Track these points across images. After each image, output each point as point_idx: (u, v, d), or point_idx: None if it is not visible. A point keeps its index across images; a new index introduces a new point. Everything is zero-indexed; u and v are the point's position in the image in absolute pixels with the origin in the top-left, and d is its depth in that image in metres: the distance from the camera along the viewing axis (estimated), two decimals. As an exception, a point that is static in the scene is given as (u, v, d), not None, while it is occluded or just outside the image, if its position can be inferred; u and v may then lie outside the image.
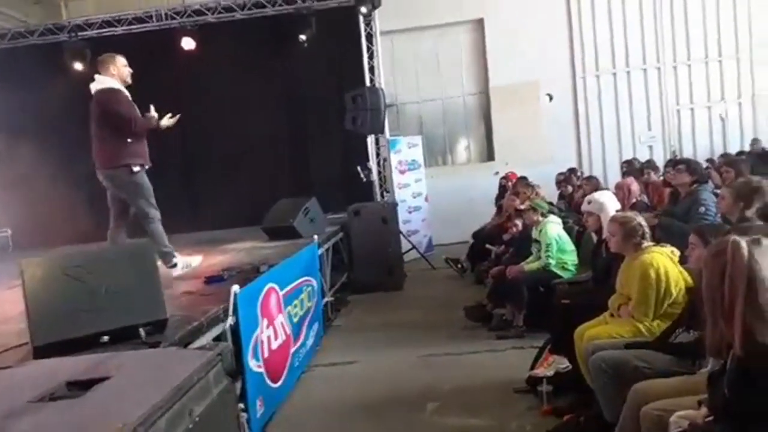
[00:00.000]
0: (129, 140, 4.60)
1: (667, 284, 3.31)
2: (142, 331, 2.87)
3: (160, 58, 9.44)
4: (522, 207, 5.32)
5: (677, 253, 3.46)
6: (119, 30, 9.39)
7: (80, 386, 1.60)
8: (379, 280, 7.58)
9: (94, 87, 4.66)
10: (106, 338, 2.80)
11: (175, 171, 9.45)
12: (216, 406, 1.67)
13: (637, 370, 2.88)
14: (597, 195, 4.56)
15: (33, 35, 9.52)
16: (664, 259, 3.38)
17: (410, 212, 9.55)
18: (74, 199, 8.27)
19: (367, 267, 7.67)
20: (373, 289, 7.47)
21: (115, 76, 4.67)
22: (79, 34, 9.34)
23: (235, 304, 3.59)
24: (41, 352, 2.63)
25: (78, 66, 9.06)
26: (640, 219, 3.55)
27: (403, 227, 8.71)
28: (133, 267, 2.95)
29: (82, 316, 2.77)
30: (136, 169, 4.61)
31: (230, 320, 3.53)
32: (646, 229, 3.53)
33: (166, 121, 4.82)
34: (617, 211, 4.24)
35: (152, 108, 4.76)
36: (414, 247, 8.93)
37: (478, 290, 6.83)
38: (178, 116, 4.86)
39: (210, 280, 4.41)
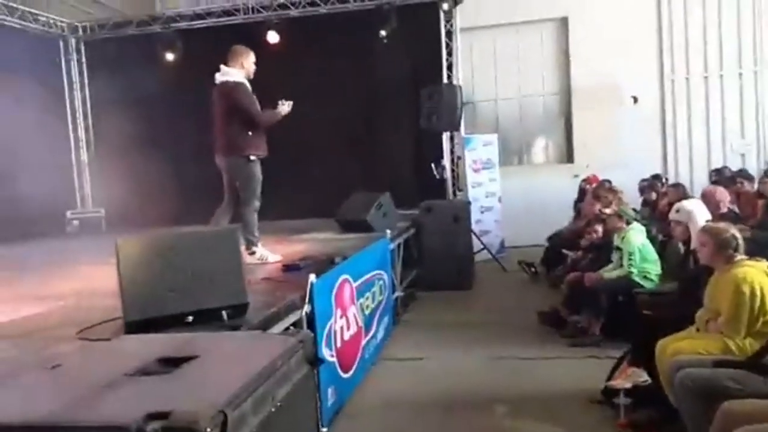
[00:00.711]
0: (250, 132, 4.89)
1: (762, 301, 3.12)
2: (224, 314, 2.98)
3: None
4: (607, 212, 5.13)
5: (774, 268, 3.25)
6: (209, 22, 9.76)
7: (170, 363, 1.67)
8: (448, 279, 7.52)
9: (219, 77, 4.91)
10: (190, 318, 2.92)
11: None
12: (296, 392, 1.70)
13: (727, 390, 2.72)
14: (686, 203, 4.34)
15: (130, 26, 10.05)
16: (759, 274, 3.18)
17: (482, 212, 9.42)
18: (166, 183, 8.67)
19: (437, 265, 7.63)
20: (442, 287, 7.42)
21: (243, 69, 4.92)
22: (171, 25, 9.77)
23: (311, 293, 3.65)
24: (132, 327, 2.77)
25: (169, 56, 9.49)
26: (734, 230, 3.35)
27: (474, 227, 8.60)
28: (219, 251, 3.06)
29: (169, 295, 2.90)
30: (252, 158, 4.92)
31: (306, 308, 3.60)
32: (740, 242, 3.32)
33: (286, 108, 5.02)
34: (708, 221, 4.01)
35: (282, 102, 5.02)
36: (485, 247, 8.81)
37: (552, 295, 6.65)
38: (291, 102, 5.05)
39: (287, 268, 4.52)
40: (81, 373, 1.65)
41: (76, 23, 10.38)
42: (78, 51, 10.63)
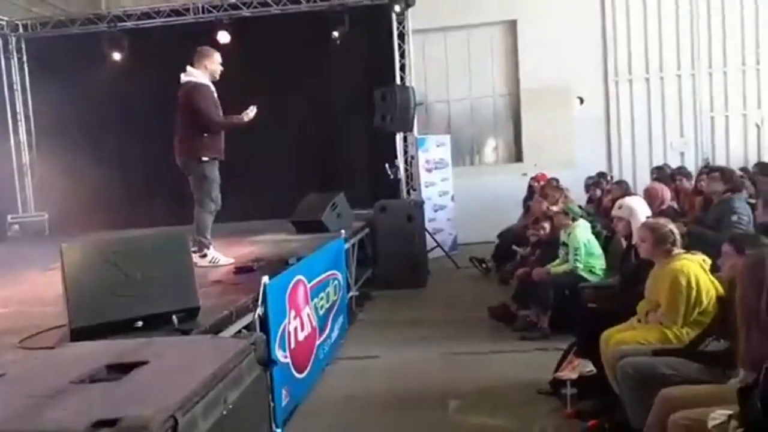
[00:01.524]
0: (205, 135, 4.86)
1: (698, 292, 3.28)
2: (174, 318, 2.94)
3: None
4: (554, 209, 5.29)
5: (708, 261, 3.43)
6: (157, 21, 9.56)
7: (119, 369, 1.66)
8: (403, 277, 7.60)
9: (183, 78, 4.86)
10: (140, 323, 2.87)
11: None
12: (248, 394, 1.72)
13: (665, 377, 2.86)
14: (627, 200, 4.52)
15: (74, 24, 9.74)
16: (695, 267, 3.35)
17: (436, 210, 9.55)
18: (111, 187, 8.47)
19: (392, 263, 7.71)
20: (396, 286, 7.50)
21: (206, 71, 4.88)
22: (118, 24, 9.52)
23: (264, 295, 3.64)
24: (78, 334, 2.70)
25: (116, 56, 9.25)
26: (672, 226, 3.53)
27: (428, 225, 8.71)
28: (168, 255, 3.02)
29: (118, 301, 2.85)
30: (205, 159, 4.88)
31: (259, 310, 3.59)
32: (678, 237, 3.50)
33: (250, 114, 5.02)
34: (648, 217, 4.19)
35: (252, 108, 5.01)
36: (439, 245, 8.93)
37: (502, 291, 6.80)
38: (254, 108, 5.05)
39: (239, 270, 4.49)
40: (25, 382, 1.62)
41: (17, 21, 9.99)
42: (18, 50, 10.25)
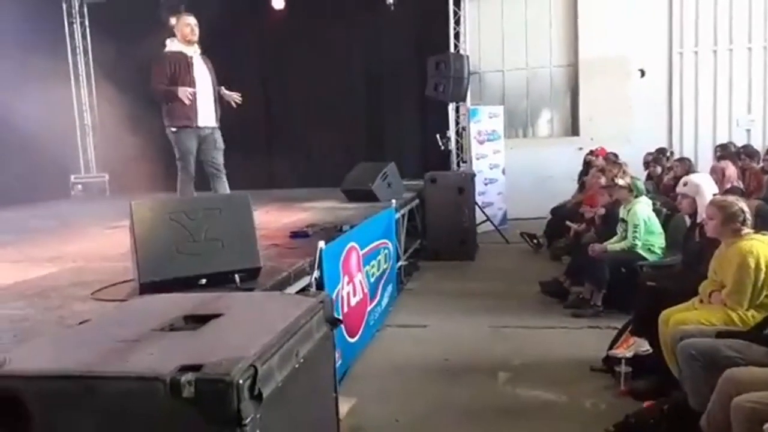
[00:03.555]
0: (169, 103, 4.89)
1: (767, 274, 3.16)
2: (237, 277, 3.03)
3: (250, 16, 9.66)
4: (619, 183, 5.14)
5: (779, 242, 3.29)
6: (213, -13, 9.61)
7: (196, 320, 1.71)
8: (451, 249, 7.59)
9: None
10: (203, 281, 2.97)
11: (255, 128, 9.71)
12: (317, 350, 1.75)
13: (728, 360, 2.78)
14: (694, 177, 4.35)
15: (134, -11, 9.91)
16: (765, 248, 3.22)
17: (486, 184, 9.42)
18: (166, 151, 8.66)
19: (441, 235, 7.70)
20: (445, 258, 7.49)
21: (177, 36, 4.92)
22: (175, -10, 9.61)
23: (320, 259, 3.70)
24: (147, 288, 2.81)
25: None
26: (742, 204, 3.38)
27: (478, 199, 8.62)
28: (232, 216, 3.10)
29: (183, 258, 2.95)
30: (173, 129, 4.92)
31: (315, 274, 3.65)
32: (748, 216, 3.35)
33: (235, 97, 5.07)
34: (715, 195, 4.03)
35: (226, 92, 5.08)
36: (488, 219, 8.85)
37: (554, 267, 6.73)
38: (238, 95, 5.10)
39: (295, 234, 4.57)
40: (110, 329, 1.70)
41: (80, -14, 10.25)
42: (81, 14, 10.52)
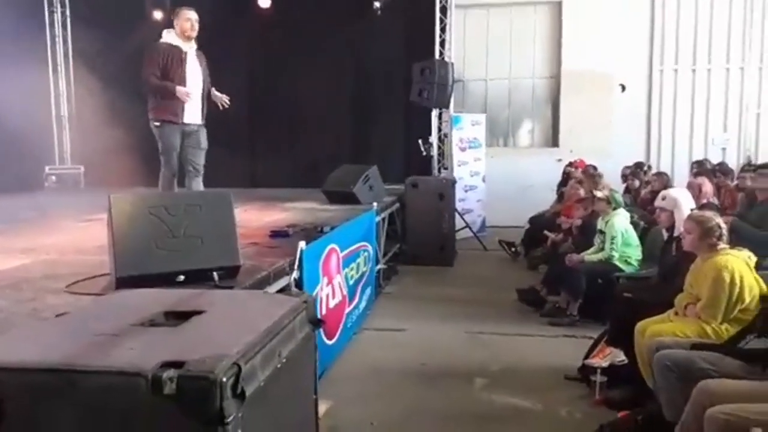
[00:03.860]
0: (157, 96, 4.79)
1: (741, 289, 3.22)
2: (215, 275, 2.98)
3: (236, 14, 9.57)
4: (598, 195, 5.21)
5: (754, 258, 3.36)
6: (199, -18, 9.52)
7: (177, 316, 1.68)
8: (430, 254, 7.62)
9: None
10: (182, 278, 2.92)
11: (239, 126, 9.62)
12: (299, 351, 1.73)
13: (703, 372, 2.82)
14: (672, 191, 4.43)
15: (117, -20, 9.76)
16: (739, 263, 3.28)
17: (466, 191, 9.48)
18: (146, 144, 8.53)
19: (420, 240, 7.72)
20: (423, 263, 7.51)
21: (176, 30, 4.83)
22: (161, -17, 9.50)
23: (300, 259, 3.67)
24: (123, 283, 2.76)
25: (157, 15, 9.27)
26: (719, 220, 3.45)
27: (458, 205, 8.66)
28: (213, 213, 3.06)
29: (161, 254, 2.89)
30: (156, 124, 4.83)
31: (295, 274, 3.62)
32: (724, 231, 3.42)
33: (219, 98, 4.98)
34: (692, 209, 4.11)
35: (225, 98, 4.99)
36: (468, 225, 8.89)
37: (530, 275, 6.79)
38: (227, 98, 5.04)
39: (275, 234, 4.53)
40: (89, 323, 1.66)
41: (61, -26, 10.07)
42: (62, 4, 10.33)
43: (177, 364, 1.29)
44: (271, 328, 1.58)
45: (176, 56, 4.78)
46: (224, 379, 1.27)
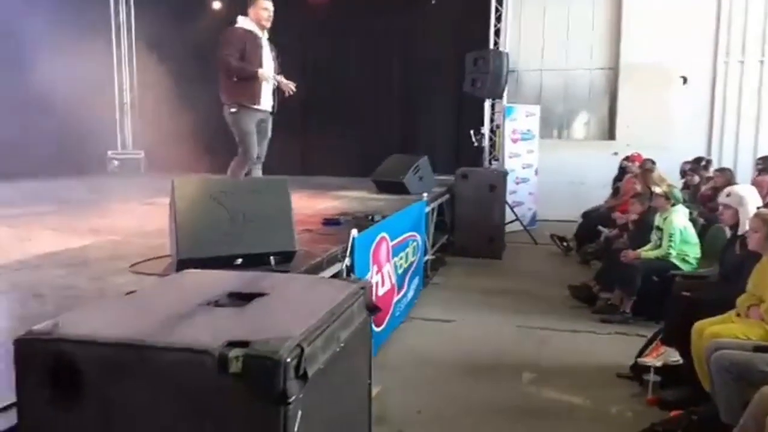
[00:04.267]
0: (234, 79, 4.74)
1: (809, 292, 3.09)
2: (272, 259, 3.06)
3: (291, 3, 9.67)
4: (657, 191, 5.06)
5: (823, 261, 3.21)
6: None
7: (241, 297, 1.74)
8: (479, 247, 7.57)
9: None
10: (239, 261, 3.01)
11: (292, 114, 9.73)
12: (356, 336, 1.76)
13: (764, 375, 2.73)
14: (738, 188, 4.25)
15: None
16: (808, 264, 3.15)
17: (517, 183, 9.36)
18: (205, 131, 8.77)
19: (469, 231, 7.67)
20: (472, 254, 7.48)
21: (251, 17, 4.87)
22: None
23: (352, 247, 3.72)
24: (184, 265, 2.85)
25: (216, 4, 9.48)
26: (788, 219, 3.30)
27: (508, 197, 8.56)
28: (271, 199, 3.14)
29: (221, 237, 2.99)
30: (233, 110, 4.77)
31: (347, 261, 3.67)
32: (793, 231, 3.28)
33: (285, 86, 4.94)
34: (758, 208, 3.94)
35: (279, 79, 4.92)
36: (518, 219, 8.78)
37: (582, 271, 6.67)
38: (293, 84, 4.98)
39: (328, 222, 4.59)
40: (157, 302, 1.73)
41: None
42: (128, -7, 10.69)
43: (242, 344, 1.34)
44: (332, 312, 1.61)
45: (253, 42, 4.79)
46: (288, 360, 1.31)
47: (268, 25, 4.92)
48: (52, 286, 2.77)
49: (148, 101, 10.06)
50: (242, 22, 4.85)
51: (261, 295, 1.73)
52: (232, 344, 1.34)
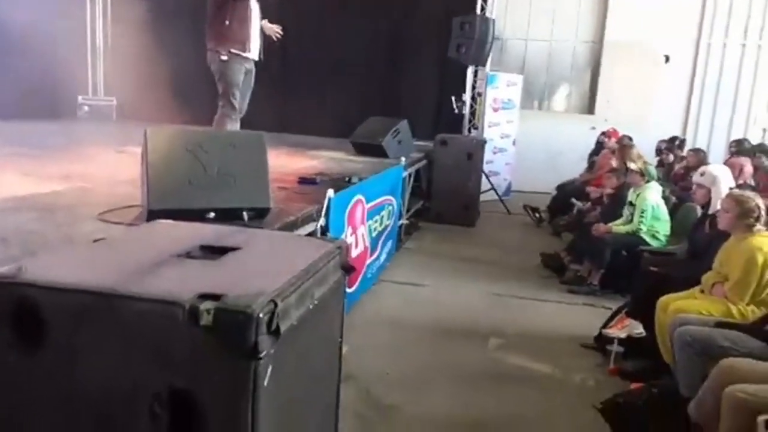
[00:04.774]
0: (226, 22, 4.51)
1: (772, 272, 3.17)
2: (245, 215, 3.01)
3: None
4: (632, 167, 5.11)
5: (790, 243, 3.29)
6: None
7: (214, 251, 1.70)
8: (453, 213, 7.58)
9: None
10: (212, 215, 2.95)
11: (271, 69, 9.52)
12: (330, 295, 1.75)
13: (723, 350, 2.81)
14: (712, 168, 4.32)
15: None
16: (774, 246, 3.22)
17: (495, 153, 9.34)
18: (179, 80, 8.51)
19: (445, 198, 7.67)
20: (446, 221, 7.50)
21: None
22: None
23: (328, 207, 3.69)
24: (154, 215, 2.78)
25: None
26: (760, 201, 3.36)
27: (485, 167, 8.55)
28: (247, 154, 3.07)
29: (194, 190, 2.93)
30: (223, 57, 4.57)
31: (322, 221, 3.64)
32: (763, 213, 3.34)
33: (270, 29, 4.77)
34: (731, 188, 4.01)
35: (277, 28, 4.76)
36: (493, 188, 8.80)
37: (553, 242, 6.75)
38: (279, 30, 4.82)
39: (304, 180, 4.53)
40: (126, 250, 1.69)
41: None
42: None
43: (214, 297, 1.31)
44: (307, 269, 1.59)
45: None
46: (261, 315, 1.28)
47: None
48: (17, 231, 2.69)
49: (122, 44, 9.70)
50: None
51: (235, 249, 1.70)
52: (204, 297, 1.31)
